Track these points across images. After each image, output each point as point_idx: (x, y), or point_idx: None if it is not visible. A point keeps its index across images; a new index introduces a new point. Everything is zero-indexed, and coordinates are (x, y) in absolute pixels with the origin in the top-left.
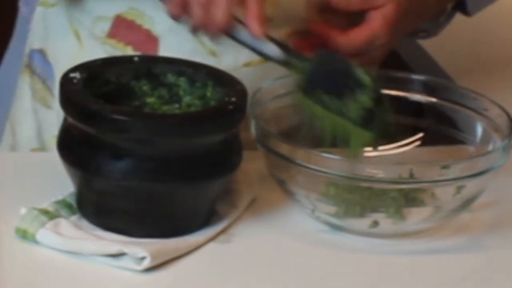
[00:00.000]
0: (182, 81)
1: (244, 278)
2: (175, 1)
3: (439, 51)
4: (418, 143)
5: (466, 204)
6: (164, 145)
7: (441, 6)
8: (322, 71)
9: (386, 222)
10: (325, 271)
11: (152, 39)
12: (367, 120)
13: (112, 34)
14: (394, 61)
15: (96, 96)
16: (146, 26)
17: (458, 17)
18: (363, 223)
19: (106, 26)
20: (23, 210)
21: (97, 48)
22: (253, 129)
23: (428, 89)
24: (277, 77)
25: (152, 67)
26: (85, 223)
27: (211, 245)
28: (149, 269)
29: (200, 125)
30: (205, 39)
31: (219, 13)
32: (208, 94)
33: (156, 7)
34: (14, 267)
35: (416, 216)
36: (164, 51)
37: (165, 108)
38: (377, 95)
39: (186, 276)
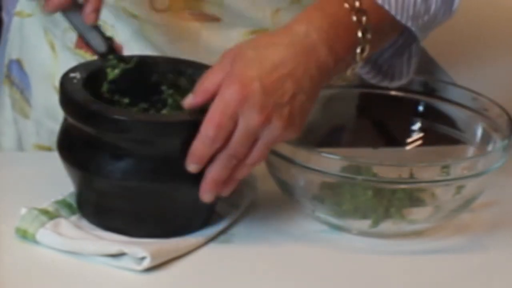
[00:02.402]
0: (182, 81)
1: (244, 278)
2: None
3: (439, 51)
4: (418, 143)
5: (466, 204)
6: (163, 145)
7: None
8: (133, 76)
9: (386, 222)
10: (325, 271)
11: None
12: None
13: (79, 44)
14: None
15: (96, 96)
16: (109, 34)
17: (458, 17)
18: (363, 223)
19: (73, 37)
20: (23, 210)
21: (69, 58)
22: None
23: (428, 89)
24: None
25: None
26: (85, 223)
27: (211, 245)
28: (149, 269)
29: (199, 125)
30: (166, 49)
31: None
32: None
33: (117, 16)
34: (14, 267)
35: (416, 216)
36: None
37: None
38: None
39: (186, 276)
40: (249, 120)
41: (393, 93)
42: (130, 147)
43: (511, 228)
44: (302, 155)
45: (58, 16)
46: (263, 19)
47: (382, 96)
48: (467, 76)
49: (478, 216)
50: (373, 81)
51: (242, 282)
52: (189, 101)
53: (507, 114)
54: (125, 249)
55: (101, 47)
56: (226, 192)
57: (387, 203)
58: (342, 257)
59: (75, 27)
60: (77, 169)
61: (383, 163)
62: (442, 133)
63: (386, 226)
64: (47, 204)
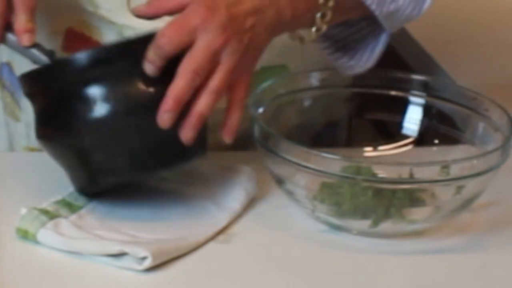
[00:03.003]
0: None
1: (244, 278)
2: None
3: (439, 51)
4: (418, 143)
5: (466, 204)
6: (129, 67)
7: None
8: None
9: (386, 222)
10: (325, 271)
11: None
12: None
13: (66, 47)
14: (394, 61)
15: None
16: (95, 37)
17: (458, 17)
18: (363, 223)
19: (59, 39)
20: (23, 210)
21: None
22: (253, 129)
23: (428, 89)
24: (277, 77)
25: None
26: (85, 222)
27: (211, 245)
28: (149, 269)
29: None
30: None
31: None
32: None
33: (99, 20)
34: (15, 267)
35: (416, 216)
36: None
37: None
38: None
39: (186, 276)
40: (210, 38)
41: (393, 93)
42: (97, 81)
43: (511, 228)
44: (302, 155)
45: (40, 21)
46: None
47: (382, 96)
48: (467, 76)
49: (478, 216)
50: (331, 58)
51: (242, 282)
52: (141, 8)
53: (507, 114)
54: (126, 249)
55: (45, 61)
56: (186, 132)
57: (387, 203)
58: (342, 257)
59: (15, 50)
60: (58, 137)
61: (383, 163)
62: (442, 133)
63: (386, 226)
64: (47, 204)
